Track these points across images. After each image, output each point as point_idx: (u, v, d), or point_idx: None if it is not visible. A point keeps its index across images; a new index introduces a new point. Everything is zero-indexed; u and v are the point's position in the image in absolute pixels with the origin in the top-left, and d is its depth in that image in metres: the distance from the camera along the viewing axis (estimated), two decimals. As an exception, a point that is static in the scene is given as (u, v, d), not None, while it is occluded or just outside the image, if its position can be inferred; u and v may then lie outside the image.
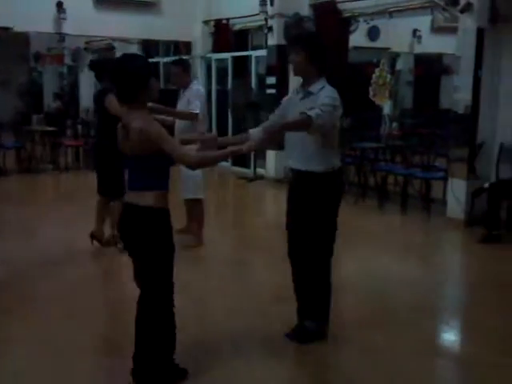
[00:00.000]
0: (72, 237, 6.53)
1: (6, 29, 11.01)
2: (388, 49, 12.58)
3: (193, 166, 3.24)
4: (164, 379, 3.29)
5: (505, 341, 4.11)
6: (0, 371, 3.59)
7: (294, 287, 3.99)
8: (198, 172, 5.64)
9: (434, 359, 3.88)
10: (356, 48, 11.30)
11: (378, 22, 11.24)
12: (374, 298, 4.88)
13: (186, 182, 5.94)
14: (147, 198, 3.08)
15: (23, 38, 15.86)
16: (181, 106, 5.94)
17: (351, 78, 9.56)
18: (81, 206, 7.70)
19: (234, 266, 5.80)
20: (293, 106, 3.80)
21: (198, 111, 5.76)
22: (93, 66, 6.42)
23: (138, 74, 3.06)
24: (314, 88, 3.70)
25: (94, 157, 6.15)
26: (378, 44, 12.18)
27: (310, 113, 3.44)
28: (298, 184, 3.81)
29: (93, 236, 6.03)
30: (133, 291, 3.32)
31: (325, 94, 3.63)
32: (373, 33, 11.92)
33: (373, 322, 4.36)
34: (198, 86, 6.05)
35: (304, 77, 3.74)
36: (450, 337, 4.42)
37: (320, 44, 3.78)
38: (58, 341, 3.98)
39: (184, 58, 8.10)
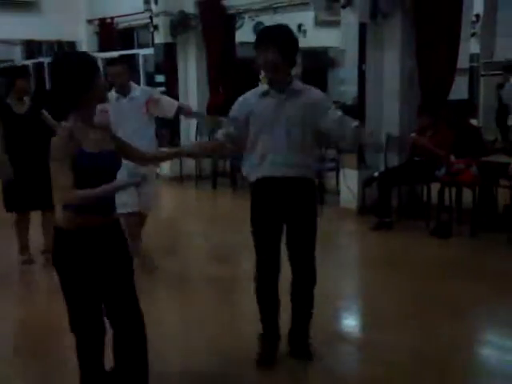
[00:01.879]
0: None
1: None
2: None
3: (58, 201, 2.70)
4: None
5: (398, 322, 4.07)
6: None
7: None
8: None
9: (334, 345, 3.77)
10: (244, 44, 11.03)
11: (263, 18, 11.07)
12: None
13: (149, 194, 5.08)
14: (60, 217, 2.64)
15: None
16: (130, 113, 5.03)
17: (240, 73, 9.31)
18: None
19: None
20: (271, 108, 3.28)
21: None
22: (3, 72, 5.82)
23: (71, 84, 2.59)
24: (296, 86, 3.31)
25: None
26: (264, 39, 11.94)
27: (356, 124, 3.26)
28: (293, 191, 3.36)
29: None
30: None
31: (321, 96, 3.39)
32: (259, 29, 11.67)
33: None
34: (142, 86, 5.45)
35: (280, 76, 3.26)
36: (348, 322, 4.38)
37: (292, 38, 3.31)
38: None
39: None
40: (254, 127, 3.31)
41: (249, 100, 3.38)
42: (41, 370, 3.54)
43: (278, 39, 3.20)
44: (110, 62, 5.22)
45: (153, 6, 9.32)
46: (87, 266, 2.63)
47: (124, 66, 5.06)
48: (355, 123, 3.29)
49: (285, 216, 3.36)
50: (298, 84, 3.34)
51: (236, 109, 3.40)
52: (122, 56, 5.37)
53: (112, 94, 4.98)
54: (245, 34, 10.81)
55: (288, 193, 3.32)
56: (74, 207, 2.58)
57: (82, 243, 2.62)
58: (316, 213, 3.44)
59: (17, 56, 13.73)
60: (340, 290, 4.94)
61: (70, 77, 2.55)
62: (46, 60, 12.30)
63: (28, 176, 5.19)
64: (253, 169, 3.35)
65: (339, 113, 3.32)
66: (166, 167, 9.57)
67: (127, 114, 4.98)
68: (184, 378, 3.40)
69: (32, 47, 13.35)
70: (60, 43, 12.07)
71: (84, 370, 2.82)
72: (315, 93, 3.37)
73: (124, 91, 5.05)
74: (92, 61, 2.63)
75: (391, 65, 6.87)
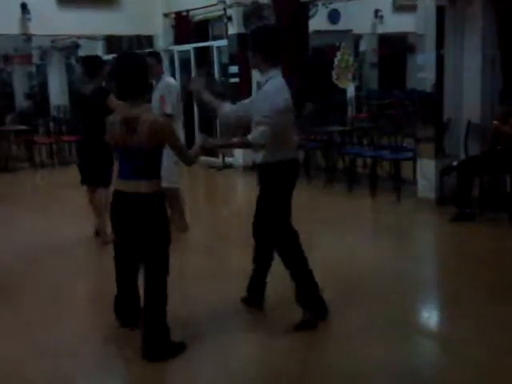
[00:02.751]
0: (56, 228, 6.50)
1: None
2: (350, 31, 12.14)
3: (188, 164, 3.56)
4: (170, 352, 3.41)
5: (478, 317, 3.91)
6: None
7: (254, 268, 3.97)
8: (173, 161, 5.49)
9: (413, 336, 3.72)
10: (317, 32, 10.86)
11: (338, 4, 10.85)
12: (349, 281, 4.59)
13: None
14: (150, 186, 3.28)
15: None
16: (154, 99, 5.80)
17: (314, 62, 9.15)
18: (59, 199, 7.95)
19: (205, 251, 5.65)
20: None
21: (169, 111, 5.66)
22: (85, 61, 6.17)
23: (142, 70, 3.33)
24: (263, 78, 3.59)
25: (88, 150, 5.92)
26: (339, 27, 11.75)
27: (250, 138, 3.49)
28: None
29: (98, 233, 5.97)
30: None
31: (266, 91, 3.51)
32: (333, 16, 11.48)
33: (350, 303, 4.14)
34: (168, 79, 5.99)
35: (258, 69, 3.62)
36: (426, 314, 4.24)
37: (269, 34, 3.60)
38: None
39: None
40: None
41: None
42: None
43: (253, 36, 3.60)
44: (147, 54, 6.11)
45: (226, -3, 9.35)
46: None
47: (153, 58, 5.79)
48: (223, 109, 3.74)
49: None
50: (264, 77, 3.54)
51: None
52: (152, 51, 6.46)
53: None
54: (319, 23, 10.65)
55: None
56: (159, 175, 3.36)
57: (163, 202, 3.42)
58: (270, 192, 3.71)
59: (99, 51, 14.14)
60: (417, 283, 4.73)
61: (143, 70, 3.34)
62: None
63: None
64: None
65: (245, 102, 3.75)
66: (239, 157, 9.58)
67: (154, 100, 5.74)
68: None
69: (112, 42, 13.69)
70: (138, 37, 12.33)
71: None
72: (267, 86, 3.51)
73: (154, 78, 5.79)
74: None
75: (472, 50, 6.51)
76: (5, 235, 6.41)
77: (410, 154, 7.43)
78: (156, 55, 6.05)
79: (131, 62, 3.33)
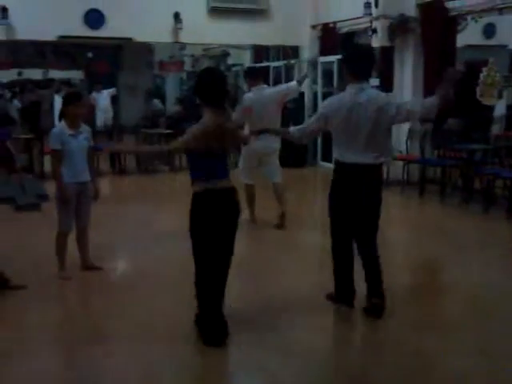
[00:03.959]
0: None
1: (127, 39, 11.93)
2: (505, 46, 11.87)
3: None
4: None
5: None
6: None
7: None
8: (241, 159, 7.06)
9: None
10: (470, 46, 10.80)
11: (494, 18, 10.70)
12: (482, 308, 4.66)
13: (273, 167, 7.04)
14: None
15: (148, 48, 16.78)
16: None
17: (465, 77, 9.07)
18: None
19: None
20: None
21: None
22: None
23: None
24: None
25: None
26: (493, 41, 11.55)
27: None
28: None
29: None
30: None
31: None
32: (488, 30, 11.33)
33: (480, 333, 4.18)
34: (245, 95, 7.09)
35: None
36: None
37: (350, 53, 4.45)
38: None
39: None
40: None
41: None
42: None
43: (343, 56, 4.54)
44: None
45: (373, 10, 9.59)
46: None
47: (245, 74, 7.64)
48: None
49: None
50: None
51: None
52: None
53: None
54: (472, 37, 10.61)
55: None
56: None
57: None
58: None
59: (246, 60, 14.94)
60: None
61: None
62: (271, 64, 13.29)
63: None
64: None
65: None
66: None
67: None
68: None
69: (260, 51, 14.38)
70: (284, 48, 12.86)
71: None
72: None
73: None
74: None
75: None
76: (145, 232, 6.84)
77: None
78: (244, 72, 7.14)
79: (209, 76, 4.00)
